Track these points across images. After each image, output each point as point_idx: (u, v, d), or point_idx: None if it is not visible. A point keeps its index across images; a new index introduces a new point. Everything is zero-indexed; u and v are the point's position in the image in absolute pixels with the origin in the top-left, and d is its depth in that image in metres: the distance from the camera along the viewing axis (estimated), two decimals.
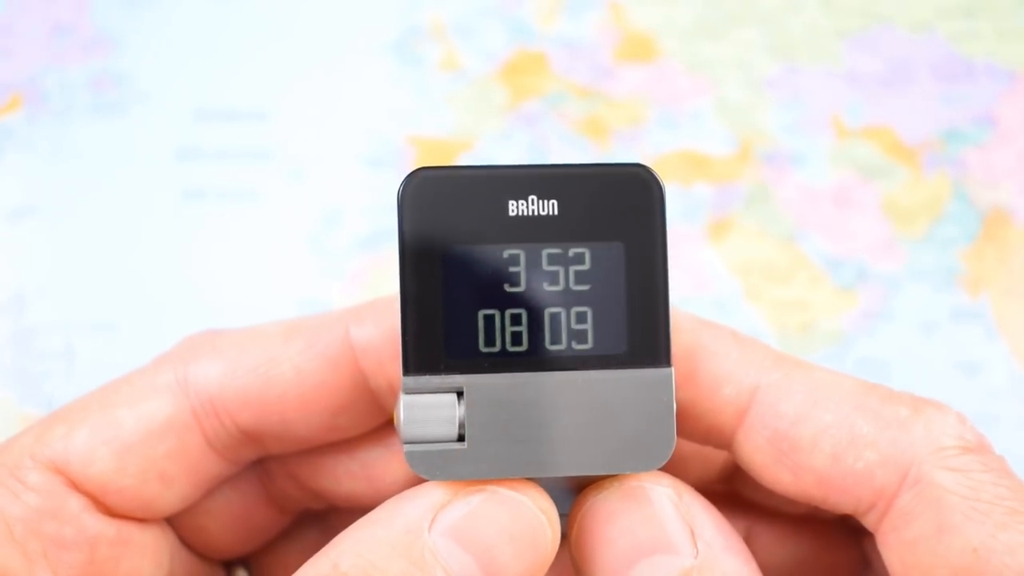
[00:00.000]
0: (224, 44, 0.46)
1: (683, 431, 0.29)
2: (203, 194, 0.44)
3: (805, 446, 0.27)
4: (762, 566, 0.34)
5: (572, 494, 0.28)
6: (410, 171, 0.26)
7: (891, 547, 0.27)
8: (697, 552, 0.25)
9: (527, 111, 0.45)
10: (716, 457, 0.32)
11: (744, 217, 0.44)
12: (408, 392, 0.25)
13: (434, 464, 0.25)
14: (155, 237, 0.43)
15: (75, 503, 0.28)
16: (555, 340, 0.25)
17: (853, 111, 0.45)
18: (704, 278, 0.43)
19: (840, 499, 0.28)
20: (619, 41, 0.46)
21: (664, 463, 0.26)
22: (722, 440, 0.29)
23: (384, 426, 0.31)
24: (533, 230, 0.25)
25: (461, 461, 0.25)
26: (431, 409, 0.25)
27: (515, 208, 0.25)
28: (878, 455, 0.27)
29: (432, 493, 0.25)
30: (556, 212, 0.25)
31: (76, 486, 0.28)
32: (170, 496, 0.29)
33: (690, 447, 0.31)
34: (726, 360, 0.28)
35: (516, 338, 0.25)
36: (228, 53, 0.45)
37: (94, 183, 0.44)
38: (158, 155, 0.44)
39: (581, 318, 0.25)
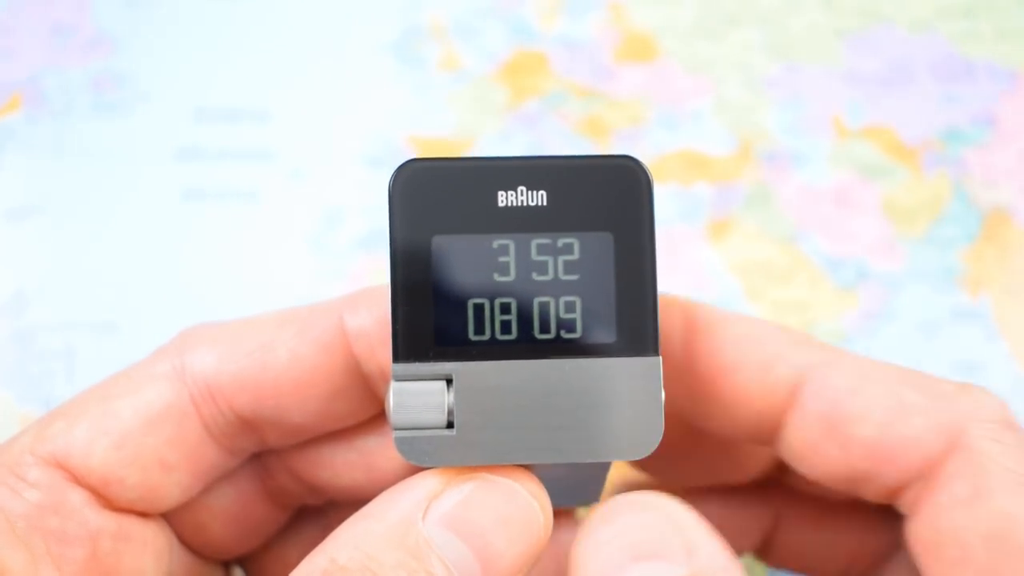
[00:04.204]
0: (224, 44, 0.46)
1: (732, 423, 0.30)
2: (203, 194, 0.44)
3: (856, 417, 0.28)
4: (793, 547, 0.34)
5: (566, 487, 0.28)
6: (401, 162, 0.26)
7: (924, 515, 0.27)
8: (690, 564, 0.25)
9: (527, 111, 0.45)
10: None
11: (744, 217, 0.44)
12: (398, 379, 0.25)
13: (423, 450, 0.25)
14: (155, 237, 0.43)
15: (77, 497, 0.28)
16: (544, 329, 0.26)
17: (853, 111, 0.45)
18: (704, 278, 0.43)
19: (889, 470, 0.28)
20: (619, 41, 0.46)
21: (651, 451, 0.26)
22: (771, 426, 0.29)
23: (380, 415, 0.31)
24: (522, 221, 0.26)
25: (450, 447, 0.25)
26: (420, 396, 0.25)
27: (504, 199, 0.26)
28: (927, 421, 0.28)
29: (425, 483, 0.25)
30: (545, 203, 0.26)
31: (77, 480, 0.28)
32: (171, 486, 0.29)
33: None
34: (774, 344, 0.29)
35: (505, 326, 0.26)
36: (228, 53, 0.45)
37: (94, 183, 0.44)
38: (158, 155, 0.44)
39: (570, 307, 0.26)
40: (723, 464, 0.33)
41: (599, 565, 0.25)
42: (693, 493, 0.34)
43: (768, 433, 0.30)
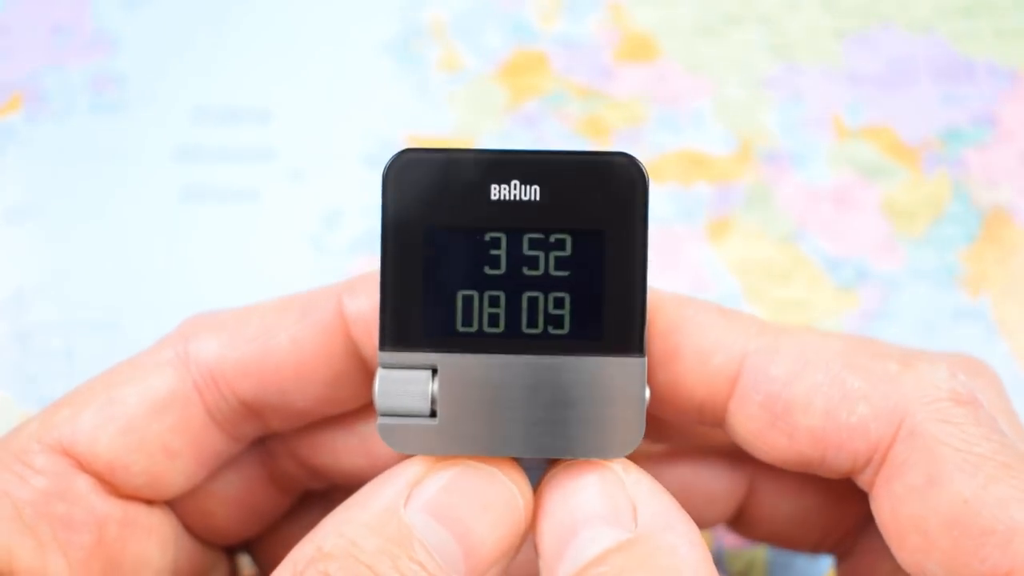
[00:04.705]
0: (224, 44, 0.46)
1: (677, 410, 0.30)
2: (203, 194, 0.44)
3: (798, 406, 0.28)
4: (765, 518, 0.34)
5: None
6: (396, 152, 0.26)
7: (883, 500, 0.27)
8: (636, 526, 0.25)
9: (527, 111, 0.45)
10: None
11: (744, 217, 0.44)
12: (384, 366, 0.26)
13: (405, 438, 0.26)
14: (155, 237, 0.43)
15: (83, 483, 0.29)
16: (531, 324, 0.26)
17: (853, 111, 0.45)
18: (704, 278, 0.43)
19: (837, 456, 0.28)
20: (619, 41, 0.46)
21: (631, 451, 0.26)
22: (715, 413, 0.29)
23: None
24: (515, 215, 0.26)
25: (432, 437, 0.26)
26: (405, 384, 0.26)
27: (497, 192, 0.26)
28: (871, 408, 0.27)
29: (407, 471, 0.26)
30: (538, 198, 0.26)
31: (83, 466, 0.29)
32: (175, 473, 0.30)
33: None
34: (712, 330, 0.29)
35: (493, 319, 0.26)
36: (228, 53, 0.46)
37: (94, 183, 0.44)
38: (158, 155, 0.44)
39: (559, 303, 0.26)
40: (695, 428, 0.33)
41: (551, 530, 0.26)
42: (664, 460, 0.34)
43: (715, 419, 0.30)
